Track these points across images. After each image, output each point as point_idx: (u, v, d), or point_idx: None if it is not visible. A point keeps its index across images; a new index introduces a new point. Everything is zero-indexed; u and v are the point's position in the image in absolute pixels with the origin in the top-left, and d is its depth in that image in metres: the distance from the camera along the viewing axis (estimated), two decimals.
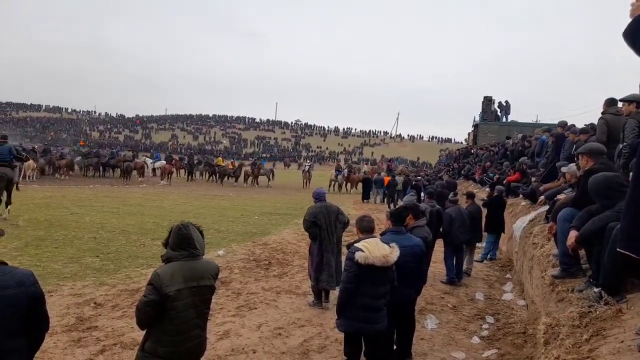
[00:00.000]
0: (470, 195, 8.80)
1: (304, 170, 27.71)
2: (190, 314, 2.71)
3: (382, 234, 4.13)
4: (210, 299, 2.89)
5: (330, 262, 5.97)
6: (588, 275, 3.85)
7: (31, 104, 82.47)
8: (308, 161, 38.14)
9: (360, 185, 22.94)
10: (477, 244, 8.82)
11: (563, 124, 8.75)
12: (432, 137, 75.50)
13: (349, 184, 25.49)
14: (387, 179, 20.26)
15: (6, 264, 2.21)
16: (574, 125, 8.48)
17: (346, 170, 26.59)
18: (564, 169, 6.45)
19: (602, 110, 6.40)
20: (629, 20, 1.95)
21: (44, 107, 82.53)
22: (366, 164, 34.04)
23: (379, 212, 15.72)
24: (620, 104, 5.82)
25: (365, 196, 20.98)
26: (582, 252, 4.11)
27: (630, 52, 1.94)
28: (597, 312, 3.14)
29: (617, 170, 4.55)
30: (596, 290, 3.37)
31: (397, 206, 5.98)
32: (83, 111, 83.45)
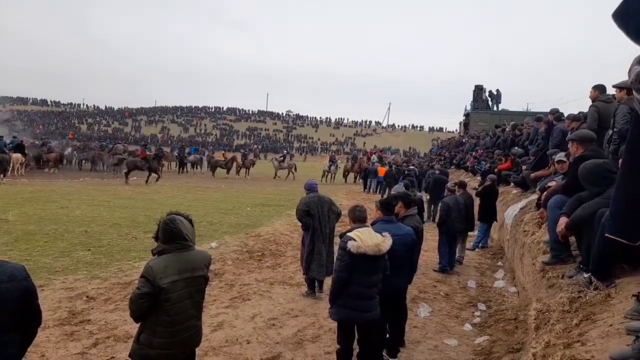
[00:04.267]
0: (462, 185, 8.84)
1: (275, 161, 27.28)
2: (185, 305, 2.72)
3: (372, 224, 4.14)
4: (205, 289, 2.90)
5: (321, 252, 5.99)
6: (578, 262, 3.89)
7: (17, 97, 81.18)
8: (285, 151, 37.76)
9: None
10: (470, 233, 8.90)
11: (555, 112, 8.78)
12: (423, 127, 75.59)
13: (352, 174, 25.40)
14: (382, 169, 20.27)
15: None
16: (563, 114, 8.52)
17: (350, 161, 26.61)
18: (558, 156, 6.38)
19: (589, 96, 6.44)
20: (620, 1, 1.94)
21: (30, 100, 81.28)
22: (383, 153, 33.33)
23: (371, 202, 15.76)
24: (613, 91, 5.84)
25: (366, 186, 20.99)
26: (572, 239, 4.16)
27: (622, 36, 1.94)
28: (587, 297, 3.18)
29: (606, 156, 4.59)
30: (586, 275, 3.42)
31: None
32: (73, 103, 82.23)
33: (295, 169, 26.49)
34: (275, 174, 26.11)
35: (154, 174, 19.24)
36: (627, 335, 2.40)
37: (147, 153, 21.01)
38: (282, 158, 27.63)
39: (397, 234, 4.01)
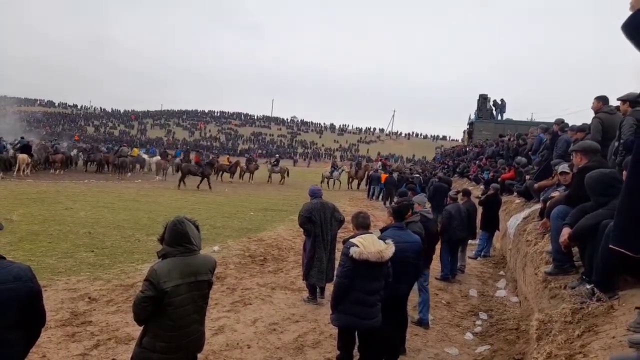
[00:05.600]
0: (466, 193, 8.84)
1: (268, 165, 27.44)
2: (188, 310, 2.71)
3: (383, 229, 4.20)
4: (208, 293, 2.89)
5: (322, 259, 5.98)
6: (581, 272, 3.88)
7: (25, 98, 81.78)
8: (277, 155, 38.00)
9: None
10: (470, 241, 8.87)
11: (560, 122, 8.78)
12: (427, 135, 75.55)
13: (355, 181, 25.34)
14: (384, 176, 20.29)
15: (4, 258, 2.19)
16: (567, 124, 8.52)
17: (354, 167, 26.58)
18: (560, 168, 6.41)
19: (592, 107, 6.43)
20: (629, 13, 1.94)
21: (38, 102, 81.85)
22: (384, 160, 32.96)
23: (374, 209, 15.75)
24: (616, 102, 5.85)
25: (371, 193, 20.91)
26: (575, 250, 4.15)
27: (629, 47, 1.94)
28: (589, 309, 3.17)
29: (610, 168, 4.58)
30: (588, 287, 3.41)
31: (394, 202, 6.02)
32: (80, 106, 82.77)
33: (288, 174, 26.49)
34: (269, 178, 26.18)
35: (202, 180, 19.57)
36: (630, 348, 2.39)
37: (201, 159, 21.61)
38: (275, 162, 27.68)
39: (409, 241, 4.11)
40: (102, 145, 36.43)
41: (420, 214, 5.44)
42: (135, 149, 31.00)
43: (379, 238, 3.91)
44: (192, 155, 30.18)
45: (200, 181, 19.55)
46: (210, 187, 19.35)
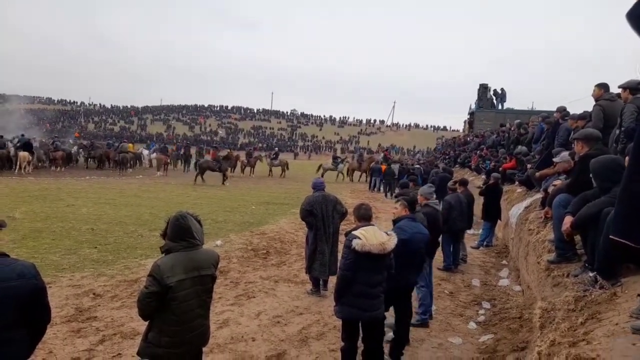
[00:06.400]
0: (463, 183, 8.83)
1: (267, 159, 27.54)
2: (192, 304, 2.72)
3: (397, 220, 4.27)
4: (212, 288, 2.90)
5: (324, 252, 5.99)
6: (583, 260, 3.89)
7: (24, 96, 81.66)
8: (276, 148, 38.07)
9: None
10: (468, 231, 8.86)
11: (562, 110, 8.73)
12: (429, 126, 75.39)
13: (357, 172, 25.28)
14: (384, 167, 20.28)
15: (8, 255, 2.20)
16: (569, 112, 8.47)
17: (356, 159, 26.53)
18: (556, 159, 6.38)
19: (593, 94, 6.40)
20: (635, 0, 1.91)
21: (37, 99, 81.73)
22: (385, 151, 32.71)
23: (376, 201, 15.75)
24: (618, 90, 5.82)
25: (373, 185, 20.92)
26: (577, 238, 4.15)
27: (629, 39, 1.92)
28: (592, 296, 3.17)
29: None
30: (591, 274, 3.41)
31: (394, 194, 6.07)
32: (78, 102, 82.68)
33: (287, 167, 26.50)
34: (270, 172, 26.22)
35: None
36: (633, 335, 2.40)
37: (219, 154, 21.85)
38: (274, 155, 27.65)
39: (421, 232, 4.24)
40: (102, 141, 36.38)
41: (429, 205, 5.46)
42: (130, 145, 30.84)
43: (394, 229, 3.96)
44: (193, 150, 30.35)
45: (223, 177, 19.94)
46: (223, 182, 19.61)
